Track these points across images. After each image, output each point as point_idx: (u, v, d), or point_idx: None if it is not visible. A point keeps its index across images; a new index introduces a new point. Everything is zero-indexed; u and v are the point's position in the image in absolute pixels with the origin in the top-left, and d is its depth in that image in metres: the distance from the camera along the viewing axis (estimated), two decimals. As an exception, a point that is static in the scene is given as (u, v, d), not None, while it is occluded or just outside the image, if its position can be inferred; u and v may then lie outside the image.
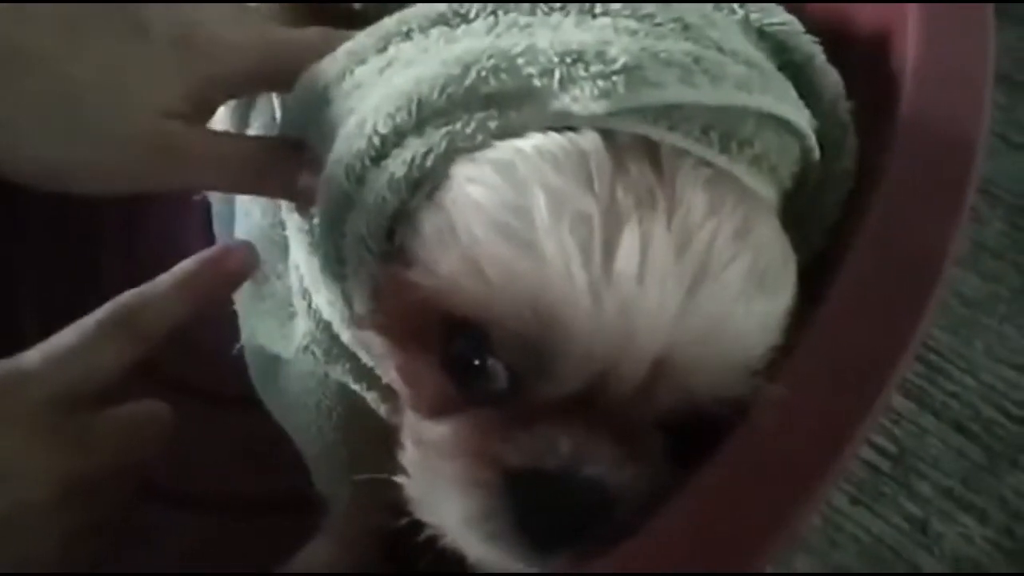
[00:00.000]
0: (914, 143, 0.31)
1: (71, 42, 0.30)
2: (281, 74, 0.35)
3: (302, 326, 0.39)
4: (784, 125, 0.30)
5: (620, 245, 0.26)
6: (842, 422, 0.25)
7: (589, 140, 0.28)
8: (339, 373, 0.39)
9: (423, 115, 0.29)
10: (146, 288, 0.36)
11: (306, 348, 0.39)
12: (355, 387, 0.39)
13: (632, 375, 0.27)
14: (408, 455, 0.31)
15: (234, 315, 0.45)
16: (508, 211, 0.27)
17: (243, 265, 0.39)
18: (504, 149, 0.28)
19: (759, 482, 0.24)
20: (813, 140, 0.31)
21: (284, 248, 0.40)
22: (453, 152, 0.29)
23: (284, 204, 0.38)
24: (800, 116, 0.31)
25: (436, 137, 0.29)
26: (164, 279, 0.37)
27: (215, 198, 0.50)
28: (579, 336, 0.26)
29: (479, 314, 0.27)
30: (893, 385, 0.25)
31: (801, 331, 0.27)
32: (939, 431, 0.54)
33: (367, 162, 0.30)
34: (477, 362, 0.28)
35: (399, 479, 0.31)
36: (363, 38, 0.34)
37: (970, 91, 0.32)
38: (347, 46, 0.34)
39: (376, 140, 0.30)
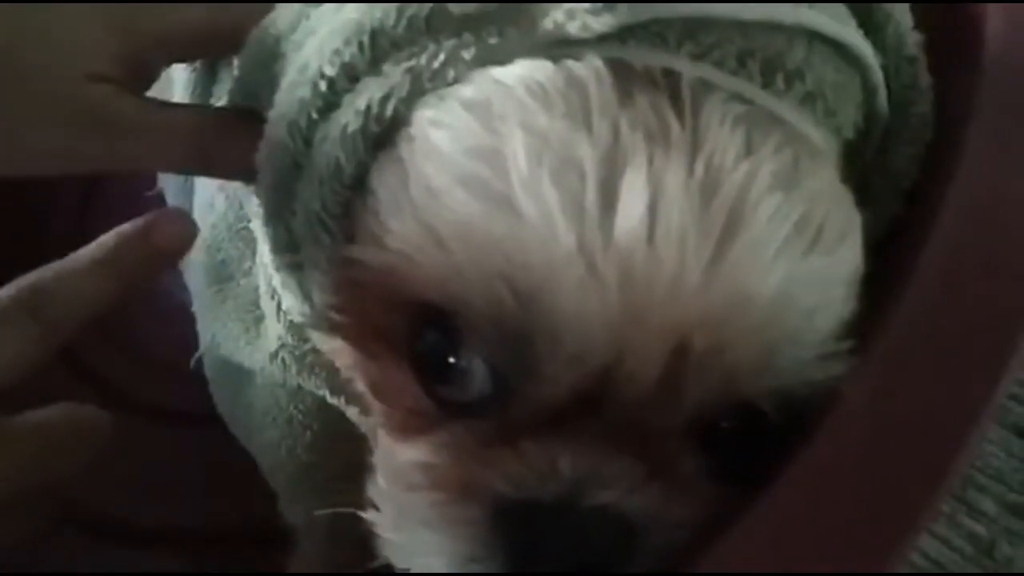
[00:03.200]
0: (1006, 82, 0.26)
1: None
2: (235, 34, 0.31)
3: (271, 331, 0.35)
4: (842, 53, 0.26)
5: (621, 192, 0.21)
6: (960, 411, 0.20)
7: (589, 68, 0.23)
8: (314, 385, 0.35)
9: (379, 48, 0.25)
10: (59, 266, 0.32)
11: (275, 355, 0.35)
12: (333, 401, 0.35)
13: (646, 367, 0.22)
14: (378, 487, 0.27)
15: (192, 320, 0.41)
16: (476, 158, 0.22)
17: (177, 238, 0.34)
18: (478, 82, 0.24)
19: (852, 501, 0.19)
20: (879, 75, 0.26)
21: (252, 243, 0.36)
22: (418, 94, 0.24)
23: (243, 188, 0.35)
24: (863, 44, 0.26)
25: (396, 75, 0.24)
26: (81, 255, 0.32)
27: (170, 192, 0.46)
28: (570, 318, 0.21)
29: (442, 296, 0.23)
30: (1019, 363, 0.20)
31: (880, 305, 0.23)
32: (1000, 439, 0.48)
33: (314, 115, 0.26)
34: (452, 359, 0.24)
35: (367, 516, 0.26)
36: None
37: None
38: None
39: (322, 85, 0.25)
